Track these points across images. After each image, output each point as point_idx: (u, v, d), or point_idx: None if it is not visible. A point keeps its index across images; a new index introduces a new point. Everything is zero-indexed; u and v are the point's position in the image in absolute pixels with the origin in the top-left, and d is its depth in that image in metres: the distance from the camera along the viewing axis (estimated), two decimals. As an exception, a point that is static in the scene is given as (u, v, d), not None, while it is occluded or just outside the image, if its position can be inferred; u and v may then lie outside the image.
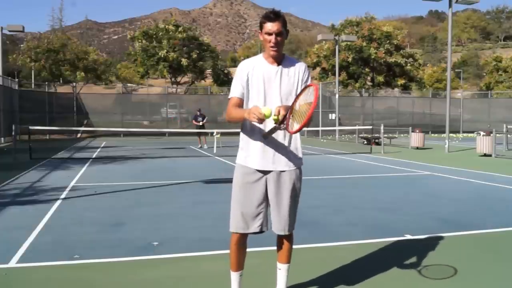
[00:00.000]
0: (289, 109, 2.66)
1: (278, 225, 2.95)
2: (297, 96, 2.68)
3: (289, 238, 3.05)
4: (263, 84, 2.86)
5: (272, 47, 2.80)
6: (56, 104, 28.69)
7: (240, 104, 2.90)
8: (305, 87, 2.68)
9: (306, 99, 2.61)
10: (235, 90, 2.91)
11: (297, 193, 2.99)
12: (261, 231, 2.93)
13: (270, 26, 2.77)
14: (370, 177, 10.13)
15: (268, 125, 2.78)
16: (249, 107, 2.85)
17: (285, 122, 2.64)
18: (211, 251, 4.36)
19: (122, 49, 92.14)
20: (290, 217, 2.96)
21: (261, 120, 2.60)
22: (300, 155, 2.99)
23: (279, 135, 2.89)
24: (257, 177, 2.91)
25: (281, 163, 2.91)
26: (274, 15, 2.78)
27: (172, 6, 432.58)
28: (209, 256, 4.25)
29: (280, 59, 2.89)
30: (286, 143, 2.92)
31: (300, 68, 2.92)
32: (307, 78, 2.93)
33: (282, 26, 2.78)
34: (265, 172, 2.91)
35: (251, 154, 2.91)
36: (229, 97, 2.93)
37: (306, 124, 2.54)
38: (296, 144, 2.98)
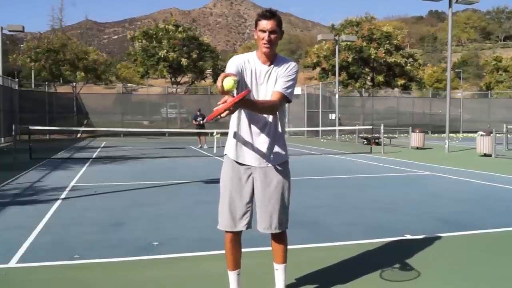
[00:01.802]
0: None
1: (264, 223, 2.95)
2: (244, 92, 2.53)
3: (282, 238, 3.05)
4: (250, 81, 2.87)
5: (264, 44, 2.81)
6: (56, 104, 28.70)
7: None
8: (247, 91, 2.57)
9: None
10: (231, 69, 2.79)
11: (284, 189, 2.97)
12: (247, 229, 2.98)
13: (265, 24, 2.79)
14: (370, 177, 10.12)
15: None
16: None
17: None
18: (211, 251, 4.36)
19: (122, 49, 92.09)
20: (277, 214, 2.94)
21: (220, 91, 2.43)
22: (284, 150, 2.99)
23: (264, 129, 2.90)
24: (244, 171, 2.94)
25: (264, 158, 2.92)
26: (269, 14, 2.81)
27: (172, 6, 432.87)
28: (209, 256, 4.25)
29: (273, 59, 2.90)
30: (268, 138, 2.92)
31: (288, 66, 2.90)
32: (290, 73, 2.86)
33: (276, 25, 2.80)
34: (250, 167, 2.93)
35: (234, 147, 2.96)
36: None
37: (216, 115, 2.42)
38: (280, 139, 2.97)
